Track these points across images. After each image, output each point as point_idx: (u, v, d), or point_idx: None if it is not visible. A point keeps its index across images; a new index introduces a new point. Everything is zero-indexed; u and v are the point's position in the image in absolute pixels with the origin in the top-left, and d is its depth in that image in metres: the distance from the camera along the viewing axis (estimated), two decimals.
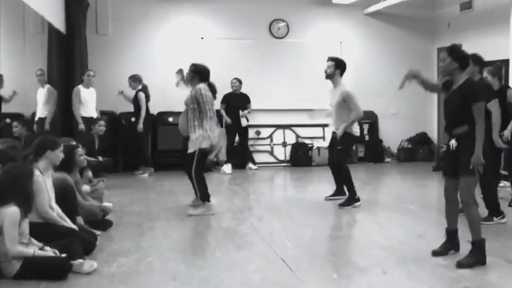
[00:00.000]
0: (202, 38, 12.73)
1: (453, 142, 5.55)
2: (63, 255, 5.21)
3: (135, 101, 11.67)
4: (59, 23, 11.01)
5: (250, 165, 12.71)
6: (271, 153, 13.58)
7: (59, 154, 5.99)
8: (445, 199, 5.80)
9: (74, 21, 11.68)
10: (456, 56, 5.52)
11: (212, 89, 8.00)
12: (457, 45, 5.66)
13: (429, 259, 5.73)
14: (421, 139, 14.07)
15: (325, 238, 7.00)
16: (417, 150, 13.94)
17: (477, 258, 5.44)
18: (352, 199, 8.45)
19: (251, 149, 13.18)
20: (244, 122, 12.44)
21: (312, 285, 5.07)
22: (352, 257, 6.03)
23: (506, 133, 7.84)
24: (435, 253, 5.75)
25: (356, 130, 8.51)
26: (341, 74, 8.56)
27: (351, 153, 9.04)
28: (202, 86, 7.82)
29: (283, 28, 13.53)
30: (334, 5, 13.41)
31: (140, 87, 11.69)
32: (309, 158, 13.25)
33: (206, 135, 7.75)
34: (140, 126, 11.51)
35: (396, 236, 6.71)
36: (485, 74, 7.56)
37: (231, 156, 12.48)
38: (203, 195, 7.94)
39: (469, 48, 6.01)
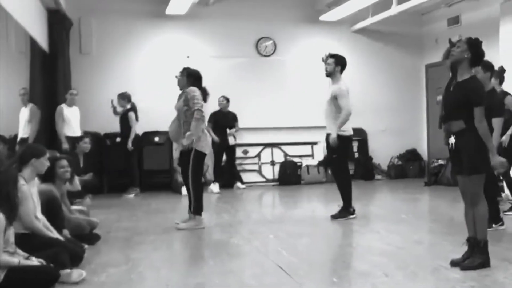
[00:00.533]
0: (188, 56, 12.56)
1: (452, 140, 5.34)
2: (51, 265, 4.95)
3: (124, 120, 11.47)
4: (43, 42, 10.82)
5: (238, 184, 12.48)
6: (259, 172, 13.39)
7: (44, 162, 5.77)
8: (463, 200, 5.43)
9: (57, 40, 11.51)
10: (474, 49, 5.28)
11: (204, 93, 7.81)
12: (478, 40, 5.38)
13: (430, 262, 5.55)
14: (411, 156, 13.97)
15: (322, 246, 6.77)
16: (408, 167, 13.82)
17: (481, 259, 5.22)
18: (347, 211, 8.20)
19: (239, 168, 12.97)
20: (231, 141, 12.26)
21: None
22: (352, 262, 5.82)
23: (505, 138, 7.74)
24: (453, 263, 5.28)
25: (347, 129, 8.18)
26: (341, 71, 8.28)
27: (348, 154, 8.67)
28: (193, 88, 7.64)
29: (270, 46, 13.46)
30: (321, 23, 13.38)
31: (129, 106, 11.50)
32: (298, 177, 13.08)
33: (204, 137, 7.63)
34: (130, 144, 11.29)
35: (394, 242, 6.51)
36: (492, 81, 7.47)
37: (219, 175, 12.24)
38: (196, 207, 7.69)
39: None
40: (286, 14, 13.49)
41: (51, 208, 6.05)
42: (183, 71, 7.90)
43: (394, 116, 13.98)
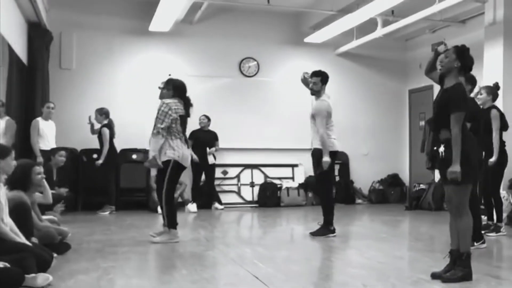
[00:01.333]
0: (169, 74, 12.31)
1: (442, 149, 5.22)
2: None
3: (100, 136, 11.27)
4: (22, 54, 10.65)
5: (216, 205, 12.23)
6: (238, 193, 13.16)
7: (10, 162, 5.56)
8: (449, 212, 5.31)
9: (36, 53, 11.36)
10: (463, 58, 5.25)
11: (188, 104, 7.62)
12: (465, 46, 5.35)
13: (411, 275, 5.38)
14: (393, 181, 13.84)
15: (300, 259, 6.52)
16: (389, 192, 13.68)
17: (463, 272, 5.06)
18: (327, 229, 8.01)
19: (218, 189, 12.73)
20: (211, 160, 12.05)
21: None
22: (330, 274, 5.62)
23: (493, 159, 7.73)
24: (435, 276, 5.15)
25: (332, 144, 8.04)
26: (325, 86, 8.24)
27: (333, 170, 8.55)
28: (169, 101, 7.44)
29: (253, 66, 13.35)
30: (306, 45, 13.32)
31: (106, 121, 11.30)
32: (278, 199, 12.88)
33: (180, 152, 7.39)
34: (100, 161, 11.12)
35: (375, 257, 6.33)
36: (481, 90, 7.49)
37: (197, 195, 12.00)
38: (170, 221, 7.45)
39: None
40: (270, 35, 13.43)
41: (20, 215, 5.79)
42: (168, 83, 7.73)
43: (376, 140, 13.90)
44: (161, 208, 7.57)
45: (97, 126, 11.41)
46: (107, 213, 11.10)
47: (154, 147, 7.36)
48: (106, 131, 11.20)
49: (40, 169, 6.61)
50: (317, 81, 8.18)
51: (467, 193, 5.15)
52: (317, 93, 8.20)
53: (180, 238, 7.48)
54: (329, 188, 8.40)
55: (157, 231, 7.67)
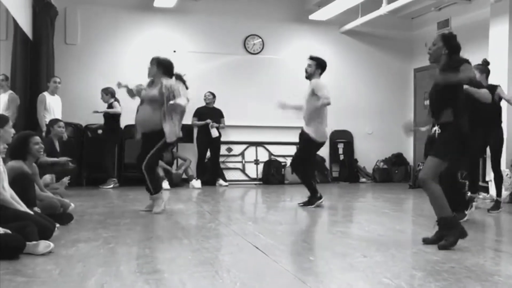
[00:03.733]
0: (174, 51, 12.32)
1: (436, 129, 5.36)
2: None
3: (107, 112, 11.32)
4: (27, 29, 10.64)
5: (220, 181, 12.25)
6: (243, 170, 13.19)
7: (9, 130, 5.63)
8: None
9: (41, 28, 11.32)
10: (449, 43, 5.40)
11: (182, 80, 7.68)
12: (452, 34, 5.53)
13: (411, 246, 5.41)
14: (397, 160, 13.78)
15: (300, 232, 6.57)
16: (393, 171, 13.65)
17: (454, 235, 5.15)
18: (315, 198, 8.28)
19: (222, 166, 12.75)
20: (214, 133, 12.01)
21: (287, 264, 4.65)
22: (330, 245, 5.58)
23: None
24: (426, 241, 5.35)
25: (322, 136, 8.35)
26: (321, 73, 8.39)
27: (312, 158, 8.87)
28: (172, 81, 7.49)
29: (258, 44, 13.29)
30: (311, 22, 13.25)
31: (112, 100, 11.33)
32: (282, 176, 12.89)
33: (174, 129, 7.43)
34: (99, 110, 11.32)
35: (376, 230, 6.34)
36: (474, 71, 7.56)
37: (201, 172, 12.03)
38: (156, 186, 7.69)
39: None
40: (275, 12, 13.37)
41: (21, 184, 5.84)
42: (152, 61, 7.78)
43: (381, 120, 13.84)
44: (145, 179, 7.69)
45: (103, 106, 11.43)
46: (110, 186, 11.15)
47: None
48: (117, 103, 11.29)
49: (38, 138, 6.63)
50: (312, 64, 8.35)
51: (437, 169, 5.25)
52: (310, 76, 8.33)
53: (183, 211, 7.53)
54: (308, 166, 8.64)
55: (147, 204, 7.79)
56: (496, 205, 8.04)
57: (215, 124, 12.04)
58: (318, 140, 8.32)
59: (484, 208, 8.26)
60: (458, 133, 5.23)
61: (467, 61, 5.34)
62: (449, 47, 5.37)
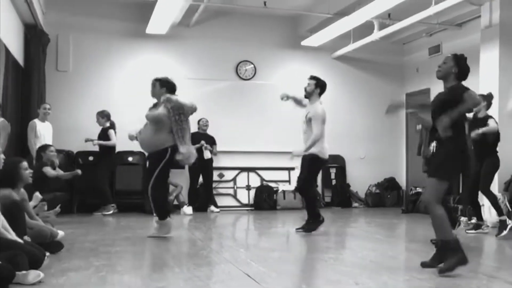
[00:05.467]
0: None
1: (434, 145, 5.35)
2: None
3: (102, 138, 11.30)
4: (18, 56, 10.65)
5: (212, 208, 12.19)
6: (234, 196, 13.15)
7: None
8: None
9: (33, 55, 11.36)
10: (460, 64, 5.52)
11: None
12: (464, 56, 5.63)
13: (404, 273, 5.37)
14: (389, 184, 13.80)
15: (293, 259, 6.52)
16: (386, 196, 13.64)
17: (455, 258, 5.14)
18: (317, 222, 8.23)
19: (214, 192, 12.68)
20: (207, 155, 11.97)
21: None
22: (322, 272, 5.57)
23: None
24: (425, 265, 5.39)
25: (324, 153, 8.23)
26: (320, 94, 8.41)
27: (316, 175, 8.83)
28: (175, 96, 7.53)
29: (250, 70, 13.33)
30: (302, 48, 13.32)
31: (108, 124, 11.35)
32: (274, 202, 12.85)
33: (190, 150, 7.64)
34: (94, 141, 11.25)
35: (369, 256, 6.33)
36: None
37: (193, 198, 11.99)
38: (161, 213, 7.63)
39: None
40: (267, 38, 13.43)
41: (11, 213, 5.76)
42: (154, 82, 7.79)
43: (373, 144, 13.87)
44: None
45: (95, 133, 11.42)
46: (110, 212, 11.10)
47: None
48: (112, 132, 11.28)
49: (26, 164, 6.58)
50: (311, 83, 8.39)
51: (440, 189, 5.29)
52: (309, 95, 8.37)
53: (174, 238, 7.48)
54: (312, 188, 8.70)
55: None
56: (502, 225, 8.02)
57: (208, 146, 12.01)
58: (324, 158, 8.30)
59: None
60: (456, 150, 5.27)
61: (467, 89, 5.41)
62: (459, 67, 5.49)
